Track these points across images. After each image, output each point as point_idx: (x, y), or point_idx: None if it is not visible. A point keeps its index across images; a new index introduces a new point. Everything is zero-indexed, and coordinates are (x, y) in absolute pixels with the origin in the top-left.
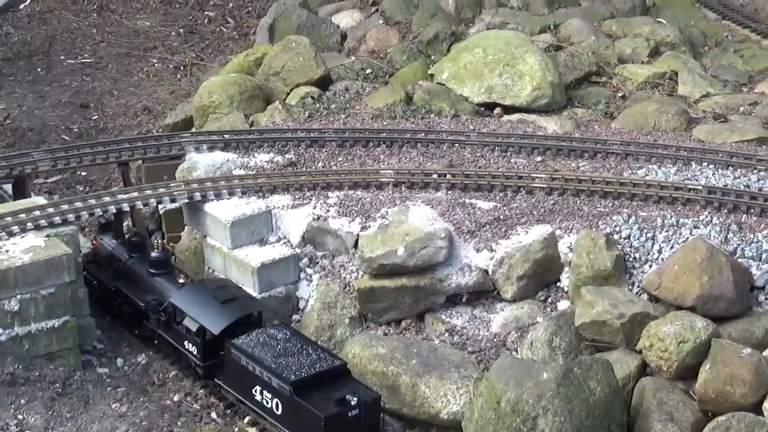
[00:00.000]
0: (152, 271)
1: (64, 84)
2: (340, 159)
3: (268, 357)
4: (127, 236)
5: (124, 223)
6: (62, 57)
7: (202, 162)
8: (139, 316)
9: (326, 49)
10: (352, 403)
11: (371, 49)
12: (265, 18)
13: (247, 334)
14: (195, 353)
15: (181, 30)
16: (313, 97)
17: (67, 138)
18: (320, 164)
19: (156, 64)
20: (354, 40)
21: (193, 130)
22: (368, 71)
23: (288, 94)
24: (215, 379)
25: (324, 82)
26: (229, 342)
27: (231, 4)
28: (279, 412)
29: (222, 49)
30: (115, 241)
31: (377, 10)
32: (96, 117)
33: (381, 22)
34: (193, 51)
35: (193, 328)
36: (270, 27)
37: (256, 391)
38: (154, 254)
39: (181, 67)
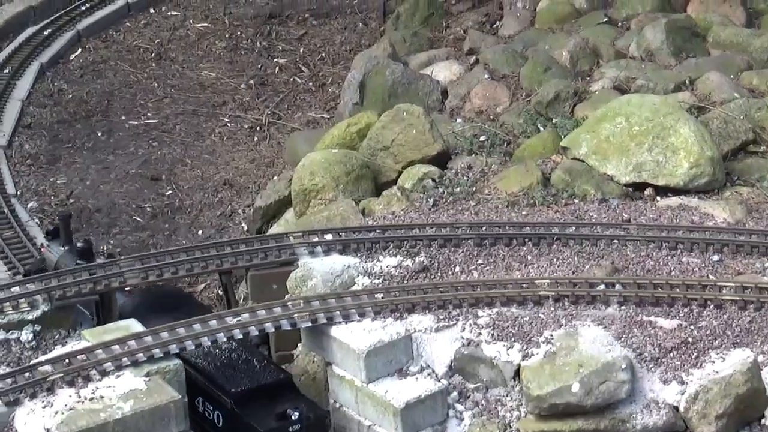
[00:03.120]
0: None
1: (129, 151)
2: (480, 261)
3: (212, 368)
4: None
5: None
6: (123, 117)
7: (318, 269)
8: None
9: (425, 108)
10: (293, 417)
11: (478, 108)
12: (354, 73)
13: None
14: None
15: (251, 81)
16: (433, 179)
17: (140, 219)
18: (457, 268)
19: (228, 124)
20: (456, 98)
21: (292, 215)
22: (482, 138)
23: (400, 172)
24: None
25: (442, 159)
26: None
27: (302, 50)
28: (220, 425)
29: (299, 103)
30: (62, 248)
31: (478, 60)
32: (170, 192)
33: (486, 76)
34: (267, 107)
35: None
36: (360, 84)
37: (198, 402)
38: (99, 262)
39: (257, 127)
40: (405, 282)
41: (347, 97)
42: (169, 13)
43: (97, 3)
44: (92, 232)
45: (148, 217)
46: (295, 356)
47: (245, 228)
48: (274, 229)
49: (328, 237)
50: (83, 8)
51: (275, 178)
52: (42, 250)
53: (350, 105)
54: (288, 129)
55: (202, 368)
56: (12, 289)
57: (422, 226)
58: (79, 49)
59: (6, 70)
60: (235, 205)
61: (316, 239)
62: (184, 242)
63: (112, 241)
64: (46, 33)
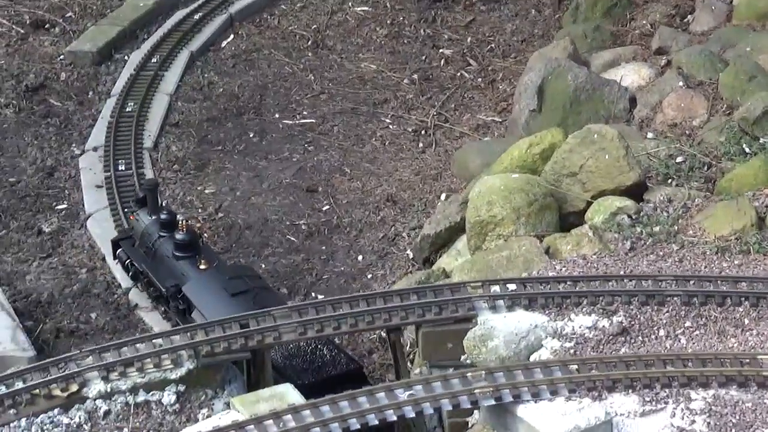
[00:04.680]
0: (177, 254)
1: (282, 156)
2: (688, 324)
3: (278, 356)
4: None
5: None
6: (277, 115)
7: (500, 328)
8: (164, 301)
9: (611, 118)
10: None
11: (671, 120)
12: (531, 75)
13: None
14: None
15: (415, 75)
16: (630, 216)
17: (294, 239)
18: (661, 332)
19: (390, 126)
20: (647, 108)
21: (463, 244)
22: (679, 160)
23: (589, 203)
24: None
25: (637, 189)
26: None
27: (470, 39)
28: None
29: (466, 102)
30: (150, 218)
31: (669, 63)
32: (327, 207)
33: (680, 83)
34: (432, 106)
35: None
36: (539, 89)
37: None
38: (178, 236)
39: (422, 131)
40: (601, 347)
41: (524, 102)
42: None
43: None
44: (242, 253)
45: (303, 237)
46: (470, 425)
47: (411, 256)
48: (444, 260)
49: (512, 288)
50: None
51: (443, 197)
52: (131, 218)
53: (527, 112)
54: (456, 134)
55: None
56: (154, 342)
57: (620, 278)
58: (232, 35)
59: (154, 60)
60: (399, 227)
61: (498, 291)
62: (342, 269)
63: (263, 265)
64: (196, 17)
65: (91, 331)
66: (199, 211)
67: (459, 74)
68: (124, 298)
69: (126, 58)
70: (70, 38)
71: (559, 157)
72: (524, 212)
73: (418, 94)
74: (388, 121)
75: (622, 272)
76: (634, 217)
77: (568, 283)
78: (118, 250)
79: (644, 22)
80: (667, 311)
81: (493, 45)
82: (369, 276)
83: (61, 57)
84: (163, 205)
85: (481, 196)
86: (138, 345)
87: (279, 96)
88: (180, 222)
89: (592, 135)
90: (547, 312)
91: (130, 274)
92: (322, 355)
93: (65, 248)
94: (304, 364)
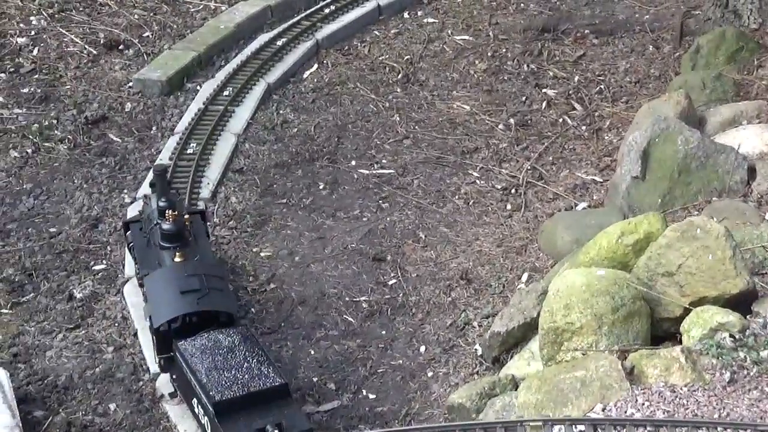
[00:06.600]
0: (162, 243)
1: (352, 214)
2: None
3: (203, 368)
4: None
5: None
6: (353, 162)
7: None
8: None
9: (725, 191)
10: None
11: None
12: (636, 136)
13: (195, 336)
14: (153, 341)
15: (512, 120)
16: (732, 336)
17: (351, 319)
18: None
19: (477, 181)
20: (767, 181)
21: (538, 346)
22: None
23: (687, 311)
24: (170, 379)
25: (745, 299)
26: (176, 343)
27: (577, 78)
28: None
29: (566, 155)
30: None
31: None
32: (393, 282)
33: None
34: (527, 158)
35: (146, 315)
36: (644, 152)
37: (194, 403)
38: (164, 226)
39: (512, 189)
40: None
41: (626, 166)
42: (425, 20)
43: (344, 5)
44: (291, 334)
45: (362, 317)
46: None
47: (479, 352)
48: (515, 363)
49: (580, 429)
50: (327, 11)
51: (524, 278)
52: (144, 201)
53: (629, 178)
54: (549, 195)
55: (194, 368)
56: None
57: (712, 425)
58: (316, 65)
59: (226, 93)
60: (470, 313)
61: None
62: (400, 361)
63: (312, 351)
64: (279, 43)
65: (107, 427)
66: (250, 280)
67: (561, 120)
68: (149, 386)
69: (198, 88)
70: (143, 62)
71: (654, 252)
72: (607, 320)
73: (513, 142)
74: (475, 174)
75: (716, 415)
76: (737, 336)
77: (648, 428)
78: (128, 233)
79: None
80: None
81: (602, 86)
82: (430, 374)
83: (130, 84)
84: (168, 190)
85: (559, 297)
86: None
87: (359, 139)
88: (167, 212)
89: (694, 229)
90: None
91: (133, 258)
92: (249, 368)
93: (95, 318)
94: (227, 378)
